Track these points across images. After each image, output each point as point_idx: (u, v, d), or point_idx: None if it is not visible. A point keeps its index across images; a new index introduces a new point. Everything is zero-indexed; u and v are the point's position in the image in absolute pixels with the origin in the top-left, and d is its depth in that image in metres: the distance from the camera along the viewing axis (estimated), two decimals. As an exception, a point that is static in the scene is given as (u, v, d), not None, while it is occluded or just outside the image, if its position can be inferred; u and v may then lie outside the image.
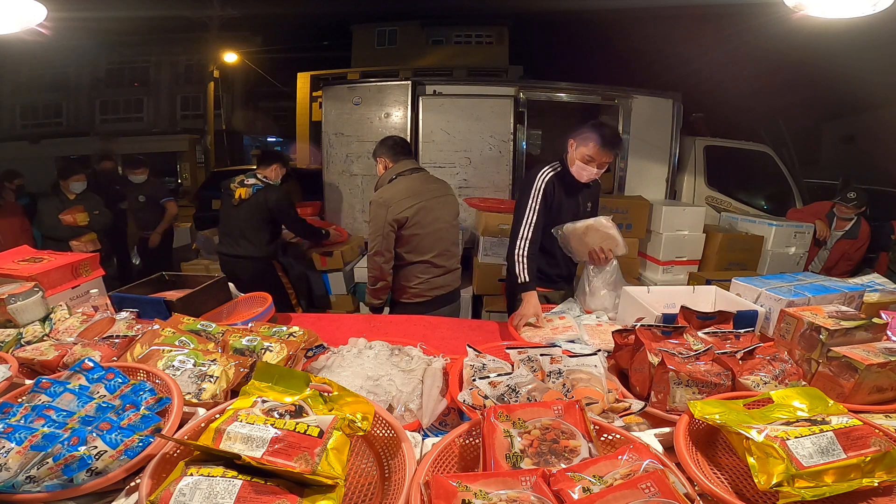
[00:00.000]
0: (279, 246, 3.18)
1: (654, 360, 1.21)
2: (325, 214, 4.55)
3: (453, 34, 14.40)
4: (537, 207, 2.08)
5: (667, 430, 1.05)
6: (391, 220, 2.19)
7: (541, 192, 2.09)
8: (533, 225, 2.06)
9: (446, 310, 2.44)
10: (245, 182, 2.98)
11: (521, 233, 2.07)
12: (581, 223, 2.00)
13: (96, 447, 0.85)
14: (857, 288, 1.67)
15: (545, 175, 2.13)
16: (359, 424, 0.87)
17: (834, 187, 5.81)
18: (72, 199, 3.86)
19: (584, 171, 2.06)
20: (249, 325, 1.58)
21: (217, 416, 0.90)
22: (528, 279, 1.98)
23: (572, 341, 1.68)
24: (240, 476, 0.72)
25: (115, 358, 1.29)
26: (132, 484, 0.87)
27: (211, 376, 1.16)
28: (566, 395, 1.10)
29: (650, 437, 1.00)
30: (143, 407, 1.00)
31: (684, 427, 0.98)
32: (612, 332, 1.43)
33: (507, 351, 1.32)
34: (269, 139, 19.19)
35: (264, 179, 3.03)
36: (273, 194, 3.01)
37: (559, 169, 2.15)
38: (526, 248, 2.03)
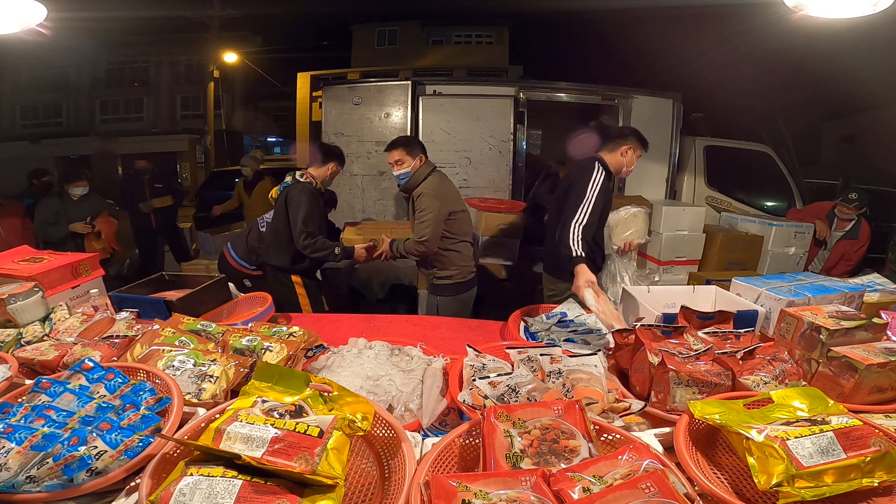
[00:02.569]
0: (300, 259, 2.66)
1: (655, 359, 1.21)
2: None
3: (453, 34, 14.40)
4: (595, 195, 2.21)
5: (667, 430, 1.05)
6: (446, 211, 2.45)
7: (600, 183, 2.23)
8: (590, 210, 2.18)
9: (474, 290, 2.70)
10: (286, 181, 2.64)
11: (578, 214, 2.16)
12: (629, 209, 2.36)
13: (96, 447, 0.85)
14: (857, 288, 1.67)
15: (601, 170, 2.28)
16: (359, 424, 0.87)
17: (834, 187, 5.81)
18: (75, 201, 3.88)
19: (631, 171, 2.38)
20: (249, 325, 1.58)
21: (217, 416, 0.90)
22: (581, 254, 2.06)
23: (591, 332, 1.71)
24: (240, 476, 0.72)
25: (115, 358, 1.29)
26: (132, 484, 0.87)
27: (211, 376, 1.16)
28: (566, 395, 1.10)
29: (650, 437, 1.00)
30: (143, 407, 1.00)
31: (684, 427, 0.98)
32: (613, 332, 1.43)
33: (507, 351, 1.32)
34: (269, 139, 19.20)
35: (299, 178, 2.61)
36: (295, 189, 2.54)
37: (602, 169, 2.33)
38: (582, 227, 2.13)
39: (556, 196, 2.68)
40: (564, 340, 1.67)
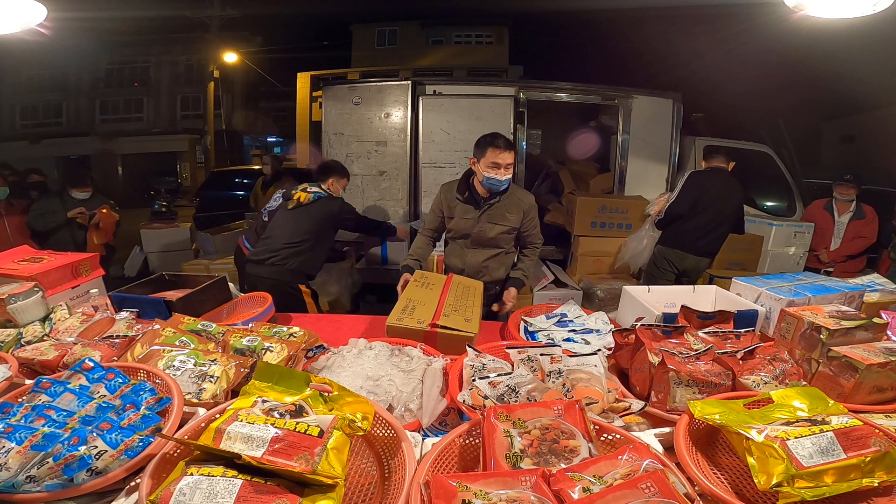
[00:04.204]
0: (314, 267, 2.79)
1: (655, 359, 1.21)
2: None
3: (453, 34, 14.41)
4: None
5: (667, 430, 1.05)
6: None
7: None
8: None
9: None
10: (308, 189, 2.76)
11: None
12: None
13: (96, 447, 0.85)
14: (857, 288, 1.67)
15: None
16: (359, 424, 0.87)
17: (834, 187, 5.82)
18: (76, 202, 3.90)
19: None
20: (250, 325, 1.58)
21: (217, 415, 0.90)
22: None
23: (590, 331, 1.72)
24: (240, 476, 0.72)
25: (115, 358, 1.29)
26: (132, 484, 0.87)
27: (211, 376, 1.16)
28: (566, 395, 1.10)
29: (650, 437, 1.00)
30: (143, 407, 1.00)
31: (684, 427, 0.98)
32: (613, 332, 1.43)
33: (507, 351, 1.32)
34: (269, 139, 19.21)
35: (327, 190, 2.81)
36: (337, 203, 2.80)
37: None
38: None
39: (719, 203, 3.26)
40: (564, 340, 1.67)
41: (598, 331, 1.72)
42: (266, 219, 3.36)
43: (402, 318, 1.60)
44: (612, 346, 1.58)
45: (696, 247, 3.31)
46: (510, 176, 2.14)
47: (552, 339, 1.68)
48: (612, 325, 1.76)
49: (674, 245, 3.37)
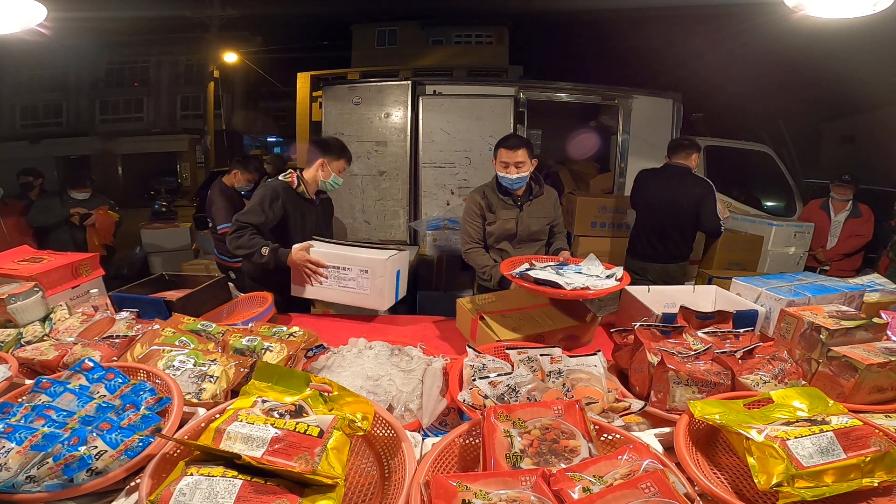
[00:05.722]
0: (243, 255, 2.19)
1: (654, 359, 1.21)
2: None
3: (453, 34, 14.41)
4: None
5: (667, 430, 1.05)
6: None
7: None
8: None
9: None
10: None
11: (717, 206, 2.96)
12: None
13: (96, 447, 0.85)
14: (857, 288, 1.67)
15: None
16: (359, 424, 0.87)
17: (833, 187, 5.82)
18: (76, 202, 3.91)
19: None
20: (249, 325, 1.58)
21: (217, 415, 0.90)
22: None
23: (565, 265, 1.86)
24: (240, 476, 0.72)
25: (115, 358, 1.29)
26: (132, 484, 0.87)
27: (211, 376, 1.16)
28: (566, 395, 1.10)
29: (650, 437, 1.00)
30: (143, 407, 1.00)
31: (684, 427, 0.98)
32: (612, 332, 1.43)
33: (507, 351, 1.32)
34: (269, 139, 19.19)
35: (280, 178, 2.31)
36: (263, 185, 2.36)
37: None
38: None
39: (666, 206, 2.94)
40: (543, 267, 1.84)
41: (593, 276, 1.79)
42: (210, 224, 3.52)
43: (474, 301, 1.75)
44: (587, 289, 1.65)
45: (654, 255, 3.06)
46: (524, 174, 2.18)
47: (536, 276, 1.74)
48: (609, 271, 1.81)
49: (633, 255, 3.21)
